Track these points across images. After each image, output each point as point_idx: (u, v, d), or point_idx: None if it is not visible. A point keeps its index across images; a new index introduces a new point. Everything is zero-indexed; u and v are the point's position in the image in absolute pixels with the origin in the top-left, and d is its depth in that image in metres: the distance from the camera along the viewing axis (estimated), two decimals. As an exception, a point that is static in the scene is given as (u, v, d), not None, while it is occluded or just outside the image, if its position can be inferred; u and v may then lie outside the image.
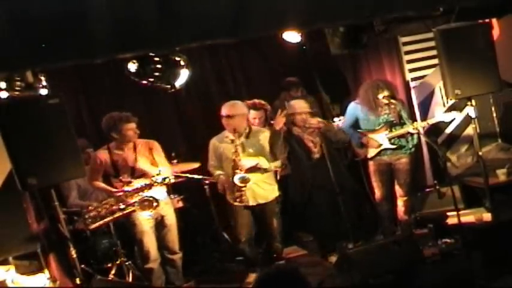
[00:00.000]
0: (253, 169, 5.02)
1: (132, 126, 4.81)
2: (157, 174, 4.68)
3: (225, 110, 5.02)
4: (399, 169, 5.59)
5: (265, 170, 5.09)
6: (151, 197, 4.74)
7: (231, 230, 5.45)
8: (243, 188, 4.96)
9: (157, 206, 4.76)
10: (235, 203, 5.06)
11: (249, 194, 5.05)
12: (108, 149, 4.88)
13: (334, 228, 5.48)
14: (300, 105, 5.45)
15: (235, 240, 5.25)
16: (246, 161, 4.99)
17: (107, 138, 4.89)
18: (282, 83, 6.38)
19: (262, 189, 5.12)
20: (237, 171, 4.94)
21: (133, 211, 4.75)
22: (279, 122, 5.12)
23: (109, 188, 4.86)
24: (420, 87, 6.60)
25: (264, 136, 5.14)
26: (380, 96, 5.36)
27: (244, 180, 4.94)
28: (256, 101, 5.69)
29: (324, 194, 5.42)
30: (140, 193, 4.73)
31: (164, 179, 4.67)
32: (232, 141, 5.01)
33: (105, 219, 4.71)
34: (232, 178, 4.94)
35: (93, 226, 4.70)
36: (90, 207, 4.71)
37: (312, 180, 5.47)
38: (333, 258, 5.33)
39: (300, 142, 5.49)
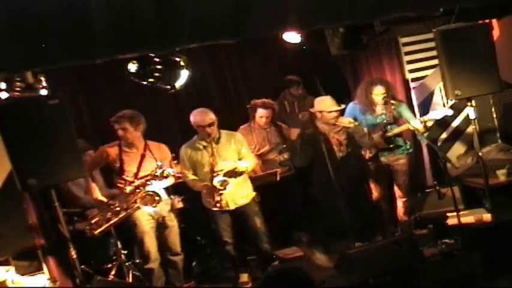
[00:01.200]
0: (231, 173, 5.00)
1: (121, 126, 4.81)
2: (158, 168, 4.68)
3: (205, 118, 4.96)
4: (398, 170, 5.59)
5: (242, 173, 5.09)
6: (152, 191, 4.74)
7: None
8: (222, 192, 4.95)
9: (159, 200, 4.76)
10: (215, 208, 5.03)
11: (229, 198, 5.05)
12: (119, 145, 4.91)
13: (347, 227, 5.48)
14: (329, 103, 5.33)
15: (220, 243, 5.24)
16: (224, 164, 4.98)
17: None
18: (281, 81, 6.37)
19: (240, 191, 5.12)
20: (215, 174, 4.93)
21: (138, 208, 4.75)
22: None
23: (96, 195, 4.89)
24: (420, 88, 6.61)
25: (236, 140, 5.16)
26: (374, 91, 5.36)
27: (224, 183, 4.93)
28: (266, 100, 5.70)
29: (345, 193, 5.36)
30: (142, 188, 4.74)
31: (163, 171, 4.67)
32: (205, 147, 5.01)
33: (111, 222, 4.71)
34: (211, 182, 4.93)
35: (99, 231, 4.70)
36: (93, 214, 4.74)
37: (335, 178, 5.40)
38: (322, 258, 5.35)
39: (325, 140, 5.33)
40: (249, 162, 5.17)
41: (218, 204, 4.98)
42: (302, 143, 5.51)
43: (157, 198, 4.75)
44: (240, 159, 5.15)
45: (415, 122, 5.44)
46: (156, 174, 4.69)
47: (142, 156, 4.85)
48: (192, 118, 5.03)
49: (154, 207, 4.79)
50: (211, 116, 4.99)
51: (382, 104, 5.44)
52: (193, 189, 5.20)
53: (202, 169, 5.07)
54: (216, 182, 4.93)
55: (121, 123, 4.82)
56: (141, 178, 4.82)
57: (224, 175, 4.95)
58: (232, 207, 5.09)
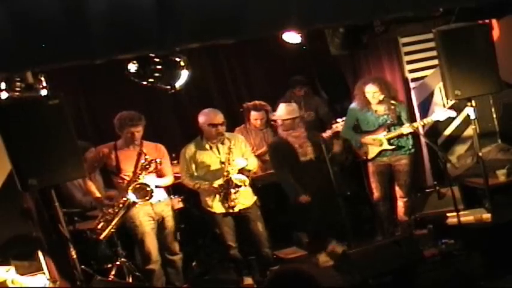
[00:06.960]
0: (241, 171, 4.98)
1: (137, 129, 4.79)
2: (146, 160, 4.70)
3: (216, 118, 4.94)
4: (399, 170, 5.58)
5: (248, 172, 5.09)
6: (143, 183, 4.69)
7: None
8: (239, 189, 4.91)
9: (152, 191, 4.70)
10: (224, 209, 4.99)
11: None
12: (115, 146, 4.89)
13: (326, 230, 5.50)
14: (285, 111, 5.41)
15: (225, 247, 5.19)
16: (239, 161, 4.95)
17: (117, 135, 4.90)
18: (289, 80, 6.39)
19: (244, 194, 5.06)
20: (231, 171, 4.90)
21: (134, 203, 4.71)
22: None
23: (96, 194, 4.90)
24: (420, 88, 6.60)
25: (239, 140, 5.14)
26: (366, 89, 5.39)
27: (242, 180, 4.91)
28: (257, 102, 5.71)
29: (313, 196, 5.40)
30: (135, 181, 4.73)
31: (150, 162, 4.69)
32: (211, 148, 4.99)
33: (112, 223, 4.69)
34: (225, 181, 4.90)
35: (103, 235, 4.69)
36: (97, 221, 4.72)
37: (301, 181, 5.44)
38: (323, 257, 5.34)
39: (287, 144, 5.45)
40: (253, 162, 5.16)
41: (232, 203, 4.94)
42: (271, 152, 5.60)
43: (148, 189, 4.68)
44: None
45: (416, 123, 5.48)
46: (145, 164, 4.66)
47: (139, 155, 4.81)
48: (203, 117, 4.98)
49: (147, 200, 4.72)
50: (221, 115, 4.99)
51: (378, 104, 5.44)
52: (192, 190, 5.18)
53: (207, 169, 5.01)
54: (235, 178, 4.88)
55: (137, 126, 4.79)
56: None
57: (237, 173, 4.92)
58: (237, 209, 5.02)
